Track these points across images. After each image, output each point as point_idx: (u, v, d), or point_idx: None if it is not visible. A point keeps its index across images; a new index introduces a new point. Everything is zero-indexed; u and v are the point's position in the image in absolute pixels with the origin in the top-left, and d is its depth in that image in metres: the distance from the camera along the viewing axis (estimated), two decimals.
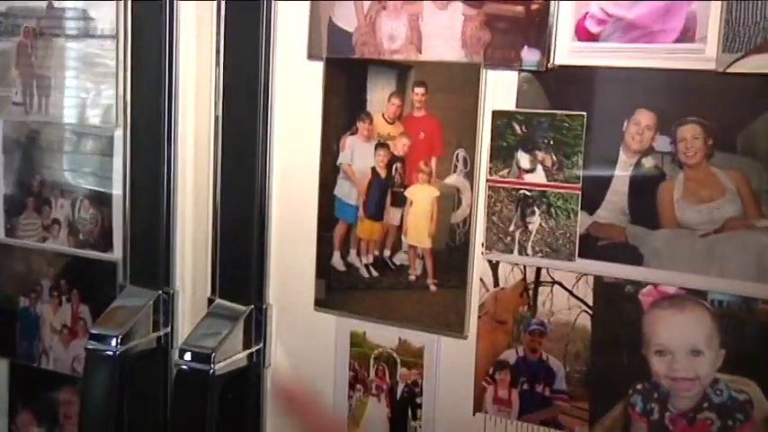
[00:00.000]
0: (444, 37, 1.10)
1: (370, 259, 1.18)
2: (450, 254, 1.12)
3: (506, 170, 1.08)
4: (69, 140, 1.44)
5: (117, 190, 1.38)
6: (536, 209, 1.07)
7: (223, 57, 1.25)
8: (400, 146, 1.14)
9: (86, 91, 1.40)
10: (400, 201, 1.16)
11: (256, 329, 1.27)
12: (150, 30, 1.30)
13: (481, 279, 1.11)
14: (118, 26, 1.34)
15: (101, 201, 1.41)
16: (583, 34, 1.03)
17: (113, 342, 1.28)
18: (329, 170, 1.20)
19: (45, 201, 1.46)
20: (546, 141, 1.05)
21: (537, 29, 1.04)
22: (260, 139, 1.23)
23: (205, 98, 1.30)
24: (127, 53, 1.33)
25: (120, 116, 1.35)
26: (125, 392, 1.31)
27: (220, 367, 1.20)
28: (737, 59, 0.94)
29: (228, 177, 1.26)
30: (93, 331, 1.30)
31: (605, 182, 1.03)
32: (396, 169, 1.15)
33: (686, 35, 0.98)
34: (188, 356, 1.21)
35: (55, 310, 1.47)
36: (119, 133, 1.36)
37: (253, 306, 1.26)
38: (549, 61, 1.04)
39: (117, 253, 1.39)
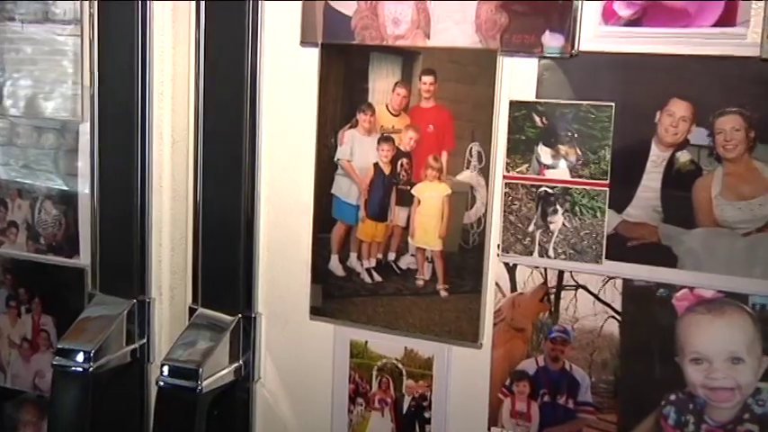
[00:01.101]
0: (456, 20, 1.01)
1: (373, 263, 1.09)
2: (463, 256, 1.04)
3: (525, 166, 1.00)
4: (26, 135, 1.31)
5: (83, 188, 1.26)
6: (558, 207, 0.99)
7: (204, 41, 1.14)
8: (406, 139, 1.05)
9: (46, 81, 1.27)
10: (406, 199, 1.07)
11: (244, 341, 1.17)
12: (119, 12, 1.18)
13: (497, 283, 1.03)
14: (82, 9, 1.22)
15: (64, 201, 1.29)
16: (611, 17, 0.95)
17: (84, 357, 1.16)
18: (326, 166, 1.10)
19: (0, 201, 1.33)
20: (570, 134, 0.98)
21: (560, 12, 0.96)
22: (246, 131, 1.13)
23: (183, 87, 1.19)
24: (93, 38, 1.21)
25: (87, 108, 1.23)
26: (97, 412, 1.18)
27: (207, 384, 1.10)
28: None
29: (211, 173, 1.16)
30: (61, 346, 1.18)
31: (635, 178, 0.96)
32: (401, 165, 1.06)
33: (726, 19, 0.90)
34: (171, 372, 1.10)
35: (13, 322, 1.35)
36: (84, 127, 1.24)
37: (240, 315, 1.16)
38: (573, 47, 0.96)
39: (84, 258, 1.28)
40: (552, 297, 1.01)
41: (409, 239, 1.07)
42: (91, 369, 1.16)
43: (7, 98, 1.30)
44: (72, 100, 1.25)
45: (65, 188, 1.28)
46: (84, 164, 1.25)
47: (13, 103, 1.30)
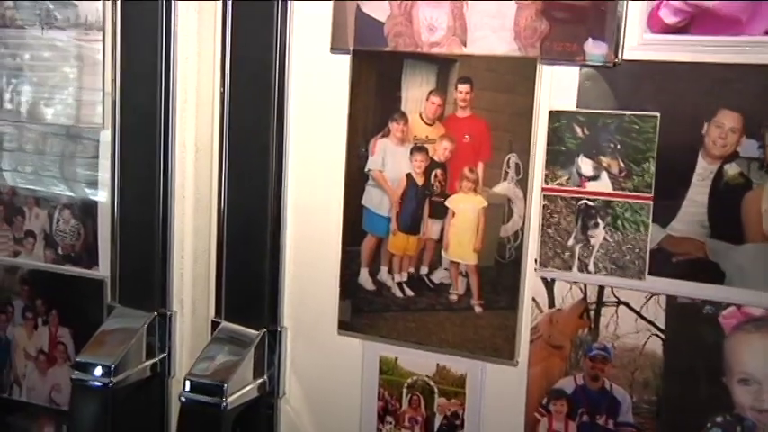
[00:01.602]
0: (494, 27, 0.98)
1: (404, 277, 1.06)
2: (499, 271, 1.00)
3: (565, 177, 0.97)
4: (46, 142, 1.27)
5: (103, 198, 1.22)
6: (600, 221, 0.96)
7: (230, 47, 1.11)
8: (441, 150, 1.02)
9: (66, 87, 1.23)
10: (440, 212, 1.03)
11: (269, 356, 1.13)
12: (142, 14, 1.15)
13: (534, 299, 1.00)
14: (104, 14, 1.19)
15: (84, 210, 1.25)
16: (656, 25, 0.92)
17: (103, 372, 1.13)
18: (356, 177, 1.07)
19: (17, 210, 1.29)
20: (612, 145, 0.94)
21: (603, 18, 0.93)
22: (273, 140, 1.10)
23: (207, 93, 1.16)
24: (116, 44, 1.17)
25: (108, 115, 1.20)
26: (116, 428, 1.15)
27: (232, 400, 1.06)
28: None
29: (236, 182, 1.12)
30: (80, 359, 1.15)
31: (681, 191, 0.92)
32: (435, 176, 1.03)
33: None
34: (194, 388, 1.07)
35: (29, 334, 1.31)
36: (106, 134, 1.21)
37: (265, 329, 1.13)
38: (616, 55, 0.93)
39: (103, 269, 1.24)
40: (592, 313, 0.98)
41: (443, 253, 1.04)
42: (111, 384, 1.12)
43: (39, 106, 1.27)
44: (93, 107, 1.21)
45: (83, 197, 1.25)
46: (104, 172, 1.22)
47: (38, 110, 1.27)
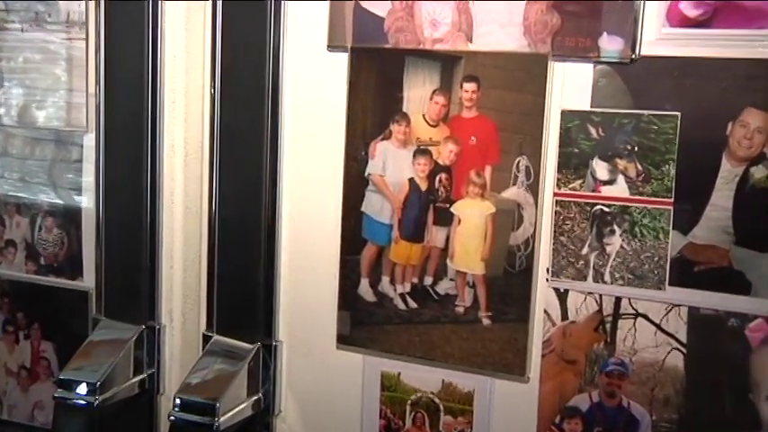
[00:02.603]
0: (501, 22, 0.92)
1: (407, 288, 1.00)
2: (509, 281, 0.95)
3: (579, 182, 0.91)
4: (26, 146, 1.21)
5: (87, 204, 1.17)
6: (616, 228, 0.90)
7: (220, 46, 1.05)
8: (445, 153, 0.96)
9: (47, 89, 1.17)
10: (445, 218, 0.98)
11: (264, 371, 1.07)
12: (128, 16, 1.10)
13: (546, 311, 0.94)
14: (88, 12, 1.13)
15: (67, 218, 1.19)
16: (676, 18, 0.86)
17: (88, 389, 1.07)
18: (355, 182, 1.01)
19: None
20: (629, 147, 0.89)
21: (619, 12, 0.87)
22: (267, 144, 1.04)
23: (197, 95, 1.10)
24: (100, 44, 1.11)
25: (92, 118, 1.14)
26: None
27: (225, 420, 1.00)
28: None
29: (228, 188, 1.07)
30: (63, 376, 1.09)
31: (704, 195, 0.87)
32: (440, 181, 0.97)
33: None
34: (184, 406, 1.01)
35: (10, 349, 1.26)
36: (90, 138, 1.15)
37: (259, 344, 1.07)
38: (633, 51, 0.87)
39: (88, 280, 1.19)
40: (608, 326, 0.92)
41: (448, 262, 0.98)
42: (96, 402, 1.06)
43: (18, 108, 1.21)
44: (76, 109, 1.15)
45: (67, 204, 1.19)
46: (88, 177, 1.16)
47: (18, 112, 1.21)
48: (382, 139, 0.99)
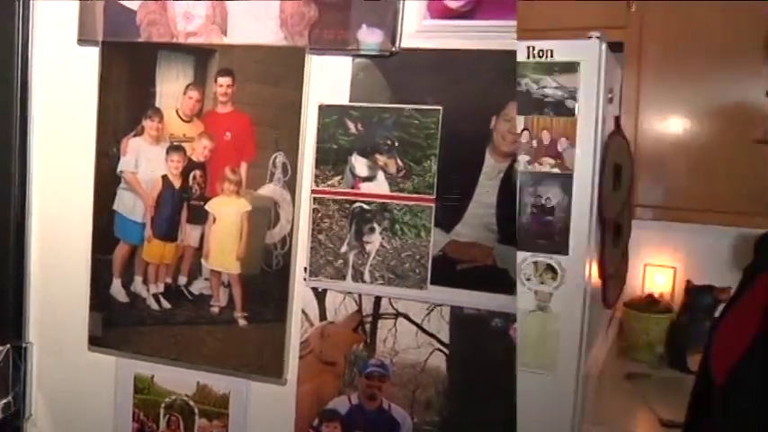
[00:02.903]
0: (257, 15, 0.89)
1: (161, 288, 0.96)
2: (265, 281, 0.92)
3: (338, 178, 0.89)
4: None
5: None
6: (376, 225, 0.88)
7: None
8: (200, 149, 0.92)
9: None
10: (200, 216, 0.94)
11: (14, 373, 1.00)
12: None
13: (304, 311, 0.92)
14: None
15: None
16: (438, 10, 0.85)
17: None
18: (107, 179, 0.96)
19: None
20: (389, 142, 0.87)
21: (379, 4, 0.85)
22: (15, 140, 0.99)
23: None
24: None
25: None
26: None
27: None
28: None
29: None
30: None
31: (467, 192, 0.85)
32: (194, 178, 0.93)
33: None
34: None
35: None
36: None
37: (9, 345, 1.01)
38: (393, 44, 0.85)
39: None
40: (368, 327, 0.91)
41: (203, 261, 0.94)
42: None
43: None
44: None
45: None
46: None
47: None
48: (134, 136, 0.95)
